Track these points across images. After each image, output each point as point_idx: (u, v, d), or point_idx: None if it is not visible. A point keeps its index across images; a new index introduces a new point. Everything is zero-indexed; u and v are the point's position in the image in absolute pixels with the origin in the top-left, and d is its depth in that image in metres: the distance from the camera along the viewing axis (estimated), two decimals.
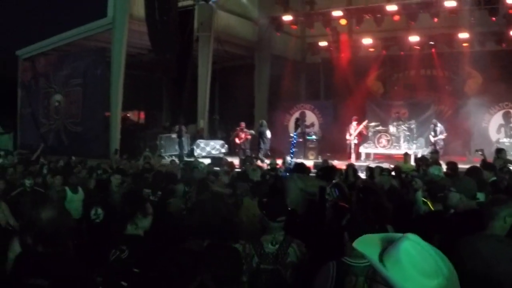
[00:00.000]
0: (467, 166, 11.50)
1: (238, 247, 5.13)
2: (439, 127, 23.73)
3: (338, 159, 23.91)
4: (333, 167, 12.66)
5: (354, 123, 25.02)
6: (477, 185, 6.13)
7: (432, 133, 23.74)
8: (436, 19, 25.48)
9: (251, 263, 5.30)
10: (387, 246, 2.48)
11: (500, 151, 14.90)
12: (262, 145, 24.92)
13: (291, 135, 23.24)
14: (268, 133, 25.14)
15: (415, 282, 2.32)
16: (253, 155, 21.18)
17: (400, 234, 2.52)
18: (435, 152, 18.42)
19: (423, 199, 7.86)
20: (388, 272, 2.39)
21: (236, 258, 4.14)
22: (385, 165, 18.33)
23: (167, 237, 5.79)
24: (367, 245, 2.56)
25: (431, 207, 7.14)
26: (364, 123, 24.64)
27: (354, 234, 4.11)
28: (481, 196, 6.67)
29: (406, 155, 19.65)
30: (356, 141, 24.64)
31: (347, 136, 24.95)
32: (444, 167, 12.69)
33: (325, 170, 10.68)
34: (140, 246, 4.87)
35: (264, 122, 25.59)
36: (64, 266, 4.30)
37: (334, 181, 8.61)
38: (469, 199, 5.64)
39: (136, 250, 4.79)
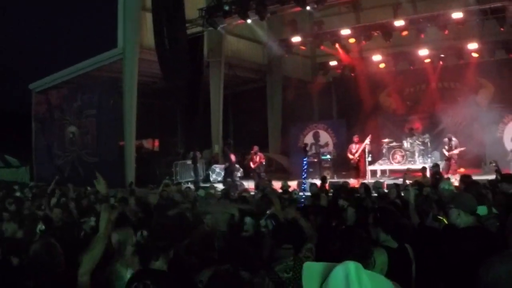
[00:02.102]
0: (483, 178, 11.48)
1: (258, 280, 5.17)
2: (454, 141, 23.49)
3: (354, 177, 23.88)
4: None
5: (355, 143, 24.89)
6: (476, 199, 6.04)
7: (446, 147, 23.54)
8: (444, 32, 25.50)
9: None
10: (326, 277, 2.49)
11: None
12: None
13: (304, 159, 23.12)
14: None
15: None
16: (267, 179, 21.15)
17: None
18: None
19: (437, 215, 7.82)
20: None
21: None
22: (400, 181, 18.39)
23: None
24: (311, 277, 2.55)
25: (446, 222, 7.09)
26: (367, 140, 24.42)
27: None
28: (482, 210, 6.61)
29: (424, 169, 19.53)
30: (370, 159, 24.52)
31: (350, 156, 24.89)
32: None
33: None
34: (166, 283, 4.81)
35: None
36: None
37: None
38: (468, 214, 5.60)
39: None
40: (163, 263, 4.94)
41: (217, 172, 27.41)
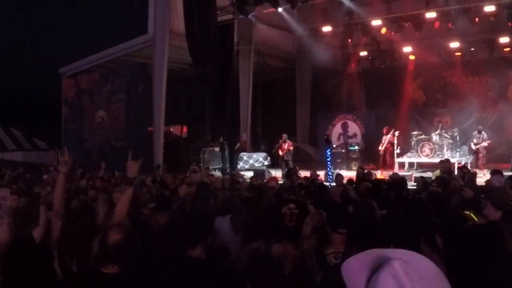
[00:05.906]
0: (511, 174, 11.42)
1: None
2: (484, 134, 23.34)
3: (380, 169, 23.75)
4: None
5: (384, 134, 24.83)
6: None
7: (475, 140, 23.34)
8: (476, 25, 25.30)
9: (313, 278, 5.05)
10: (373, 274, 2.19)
11: None
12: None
13: (332, 146, 22.98)
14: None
15: None
16: (296, 167, 21.08)
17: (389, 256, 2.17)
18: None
19: (466, 211, 7.74)
20: None
21: (278, 270, 4.09)
22: (429, 174, 18.27)
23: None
24: (355, 271, 2.25)
25: (475, 218, 7.01)
26: (395, 133, 24.32)
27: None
28: None
29: (441, 163, 19.36)
30: (398, 151, 24.43)
31: (380, 147, 24.82)
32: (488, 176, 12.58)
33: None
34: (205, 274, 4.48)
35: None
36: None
37: None
38: (495, 209, 5.52)
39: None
40: (202, 250, 4.60)
41: (244, 160, 27.38)
